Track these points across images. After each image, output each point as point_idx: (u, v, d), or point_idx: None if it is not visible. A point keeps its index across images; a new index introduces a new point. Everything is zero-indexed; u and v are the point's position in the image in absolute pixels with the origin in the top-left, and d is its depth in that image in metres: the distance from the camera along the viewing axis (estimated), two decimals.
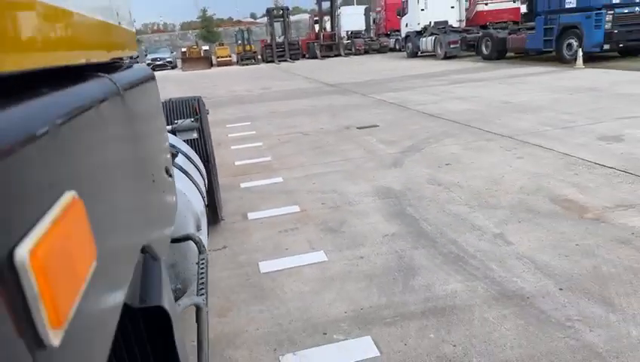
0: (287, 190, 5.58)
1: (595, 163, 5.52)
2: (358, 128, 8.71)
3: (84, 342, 0.63)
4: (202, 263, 2.17)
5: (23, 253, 0.48)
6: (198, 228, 2.52)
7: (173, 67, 36.43)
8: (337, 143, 7.70)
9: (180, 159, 2.85)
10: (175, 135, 3.74)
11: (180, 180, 2.56)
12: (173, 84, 20.83)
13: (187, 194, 2.44)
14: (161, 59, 36.79)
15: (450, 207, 4.60)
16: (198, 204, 2.60)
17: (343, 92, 14.26)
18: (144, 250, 1.00)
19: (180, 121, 3.83)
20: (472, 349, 2.58)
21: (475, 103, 10.20)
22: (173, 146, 3.04)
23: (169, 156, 1.64)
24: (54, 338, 0.51)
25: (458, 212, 4.47)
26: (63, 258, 0.55)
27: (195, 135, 3.83)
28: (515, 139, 6.89)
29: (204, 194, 2.89)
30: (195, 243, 2.20)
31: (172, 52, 40.36)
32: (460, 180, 5.35)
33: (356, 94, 13.46)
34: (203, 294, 1.94)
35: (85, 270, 0.62)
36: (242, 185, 5.87)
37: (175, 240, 2.25)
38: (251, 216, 4.85)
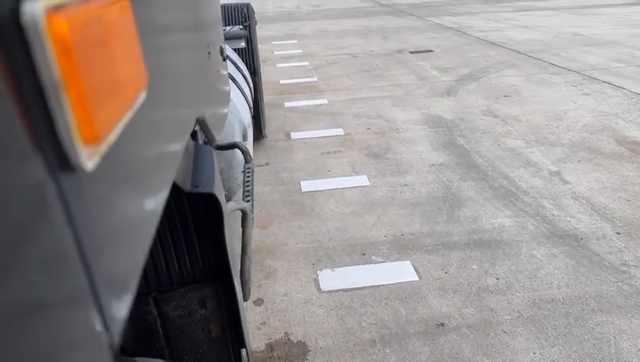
0: (332, 112, 5.42)
1: None
2: (410, 52, 8.24)
3: (128, 182, 0.48)
4: (248, 171, 2.12)
5: (35, 8, 0.32)
6: (244, 138, 2.45)
7: None
8: (387, 67, 7.33)
9: (228, 66, 2.73)
10: None
11: None
12: None
13: (235, 102, 2.35)
14: None
15: (505, 141, 4.34)
16: (245, 114, 2.52)
17: (398, 13, 13.42)
18: (199, 124, 0.91)
19: (228, 28, 3.66)
20: (516, 284, 2.50)
21: (541, 33, 9.37)
22: None
23: (223, 39, 1.52)
24: (86, 158, 0.36)
25: (513, 146, 4.22)
26: (99, 51, 0.39)
27: (243, 44, 3.67)
28: (582, 75, 6.32)
29: (251, 106, 2.79)
30: (242, 152, 2.14)
31: None
32: (518, 114, 5.01)
33: (412, 16, 12.64)
34: (249, 201, 1.91)
35: (132, 92, 0.47)
36: (286, 105, 5.75)
37: (221, 148, 2.20)
38: (294, 135, 4.77)
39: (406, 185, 3.66)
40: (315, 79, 6.89)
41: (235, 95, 2.52)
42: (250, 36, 3.72)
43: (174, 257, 1.07)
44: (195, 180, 0.86)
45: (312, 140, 4.63)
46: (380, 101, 5.71)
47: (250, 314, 2.40)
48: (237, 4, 3.88)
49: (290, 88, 6.45)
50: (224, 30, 3.69)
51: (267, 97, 5.70)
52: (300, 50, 8.97)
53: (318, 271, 2.72)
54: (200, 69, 1.01)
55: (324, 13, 14.50)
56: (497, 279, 2.55)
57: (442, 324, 2.27)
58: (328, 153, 4.33)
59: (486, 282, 2.53)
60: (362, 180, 3.78)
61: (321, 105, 5.71)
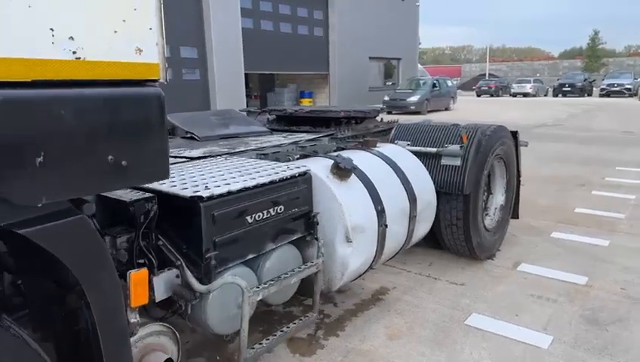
0: (599, 257, 4.40)
1: None
2: None
3: None
4: (305, 267, 2.39)
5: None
6: (347, 240, 2.67)
7: (632, 95, 31.67)
8: None
9: (376, 172, 3.04)
10: (440, 158, 3.82)
11: (352, 189, 2.78)
12: (605, 113, 18.57)
13: (344, 204, 2.63)
14: (618, 85, 32.97)
15: None
16: (358, 218, 2.72)
17: None
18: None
19: (448, 145, 3.86)
20: None
21: None
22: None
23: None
24: None
25: None
26: None
27: (457, 162, 3.77)
28: None
29: (382, 214, 2.93)
30: (297, 249, 2.51)
31: (636, 78, 34.87)
32: None
33: None
34: (272, 285, 2.20)
35: None
36: (553, 235, 5.02)
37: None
38: (522, 267, 4.20)
39: None
40: (621, 216, 5.64)
41: (355, 196, 2.78)
42: (468, 157, 3.75)
43: None
44: None
45: (535, 279, 3.97)
46: None
47: None
48: (464, 125, 3.99)
49: (579, 219, 5.55)
50: (445, 147, 3.89)
51: (539, 222, 5.28)
52: None
53: None
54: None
55: None
56: None
57: None
58: (538, 297, 3.64)
59: None
60: (543, 341, 3.04)
61: (596, 246, 4.70)
